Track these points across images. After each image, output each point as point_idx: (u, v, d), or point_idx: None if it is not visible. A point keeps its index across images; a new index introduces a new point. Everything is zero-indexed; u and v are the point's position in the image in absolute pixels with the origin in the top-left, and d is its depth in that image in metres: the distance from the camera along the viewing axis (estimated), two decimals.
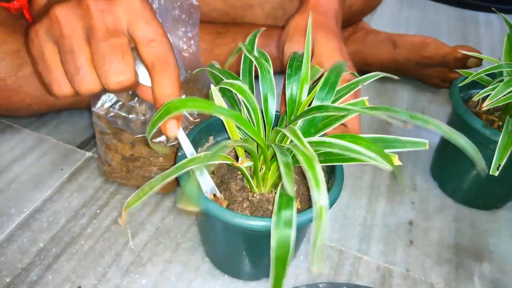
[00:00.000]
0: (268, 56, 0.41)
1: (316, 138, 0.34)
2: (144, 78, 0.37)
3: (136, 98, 0.51)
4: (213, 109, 0.32)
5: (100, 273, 0.47)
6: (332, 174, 0.40)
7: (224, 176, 0.43)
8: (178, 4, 0.51)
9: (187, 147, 0.39)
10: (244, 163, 0.34)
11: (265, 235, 0.37)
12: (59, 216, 0.52)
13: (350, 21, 0.78)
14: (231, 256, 0.44)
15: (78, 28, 0.32)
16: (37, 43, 0.34)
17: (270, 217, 0.32)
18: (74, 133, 0.64)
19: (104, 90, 0.34)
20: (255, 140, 0.35)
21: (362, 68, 0.81)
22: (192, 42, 0.53)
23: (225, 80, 0.37)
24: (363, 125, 0.72)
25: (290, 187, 0.28)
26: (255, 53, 0.41)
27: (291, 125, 0.34)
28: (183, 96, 0.49)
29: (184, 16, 0.51)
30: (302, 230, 0.43)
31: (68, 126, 0.66)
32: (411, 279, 0.49)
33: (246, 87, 0.37)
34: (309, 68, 0.37)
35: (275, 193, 0.40)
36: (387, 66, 0.79)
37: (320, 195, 0.27)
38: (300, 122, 0.35)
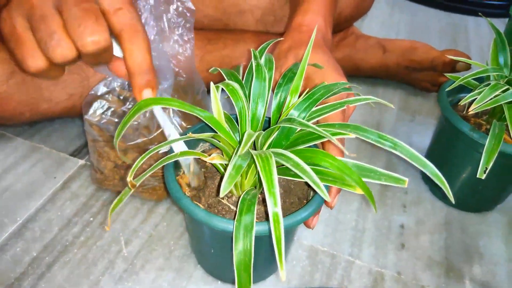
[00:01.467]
0: (274, 65, 0.42)
1: (277, 149, 0.33)
2: (116, 50, 0.38)
3: (128, 103, 0.51)
4: (184, 107, 0.33)
5: (93, 282, 0.47)
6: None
7: (215, 174, 0.43)
8: (174, 7, 0.51)
9: (168, 127, 0.39)
10: (214, 160, 0.34)
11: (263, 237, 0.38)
12: (52, 224, 0.52)
13: (340, 27, 0.79)
14: (222, 262, 0.44)
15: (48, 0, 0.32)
16: (9, 21, 0.33)
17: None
18: (67, 141, 0.65)
19: (79, 58, 0.34)
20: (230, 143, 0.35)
21: (353, 73, 0.82)
22: (188, 46, 0.53)
23: (225, 82, 0.38)
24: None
25: (225, 188, 0.28)
26: (262, 59, 0.42)
27: (263, 131, 0.35)
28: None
29: (180, 19, 0.51)
30: (295, 230, 0.43)
31: (61, 134, 0.66)
32: (402, 283, 0.50)
33: (239, 89, 0.37)
34: (301, 81, 0.38)
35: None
36: (377, 71, 0.80)
37: (272, 202, 0.27)
38: (277, 131, 0.36)
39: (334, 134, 0.33)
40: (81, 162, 0.61)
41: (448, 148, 0.56)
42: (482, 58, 0.99)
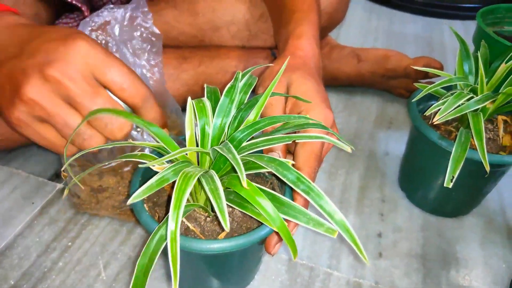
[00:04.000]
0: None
1: (210, 171, 0.33)
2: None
3: None
4: (133, 119, 0.34)
5: None
6: None
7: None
8: (138, 34, 0.52)
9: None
10: (156, 168, 0.35)
11: (219, 254, 0.38)
12: (30, 251, 0.52)
13: None
14: (198, 280, 0.45)
15: (59, 102, 0.34)
16: (29, 128, 0.35)
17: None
18: (45, 165, 0.65)
19: None
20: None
21: (330, 83, 0.83)
22: (155, 69, 0.54)
23: (201, 99, 0.39)
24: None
25: (137, 196, 0.29)
26: (243, 81, 0.42)
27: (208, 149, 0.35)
28: None
29: (145, 45, 0.52)
30: (253, 250, 0.43)
31: (39, 158, 0.66)
32: None
33: (208, 107, 0.38)
34: (260, 111, 0.38)
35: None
36: (354, 80, 0.81)
37: (173, 219, 0.28)
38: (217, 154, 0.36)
39: (256, 167, 0.34)
40: (60, 186, 0.61)
41: (420, 156, 0.57)
42: None
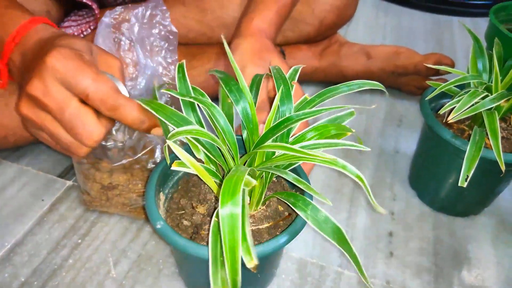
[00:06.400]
0: (202, 90, 0.42)
1: (295, 146, 0.36)
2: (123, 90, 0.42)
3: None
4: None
5: None
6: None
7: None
8: (156, 31, 0.51)
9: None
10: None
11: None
12: (40, 248, 0.52)
13: (324, 35, 0.79)
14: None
15: (43, 115, 0.37)
16: (37, 134, 0.40)
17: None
18: (54, 162, 0.65)
19: None
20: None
21: (339, 80, 0.82)
22: (171, 67, 0.54)
23: (179, 129, 0.35)
24: None
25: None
26: (192, 93, 0.41)
27: (279, 142, 0.37)
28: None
29: (162, 42, 0.52)
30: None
31: (48, 155, 0.66)
32: None
33: (203, 129, 0.36)
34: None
35: (262, 210, 0.41)
36: (363, 77, 0.80)
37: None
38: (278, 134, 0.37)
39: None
40: (69, 183, 0.61)
41: (432, 155, 0.56)
42: (468, 58, 1.00)
